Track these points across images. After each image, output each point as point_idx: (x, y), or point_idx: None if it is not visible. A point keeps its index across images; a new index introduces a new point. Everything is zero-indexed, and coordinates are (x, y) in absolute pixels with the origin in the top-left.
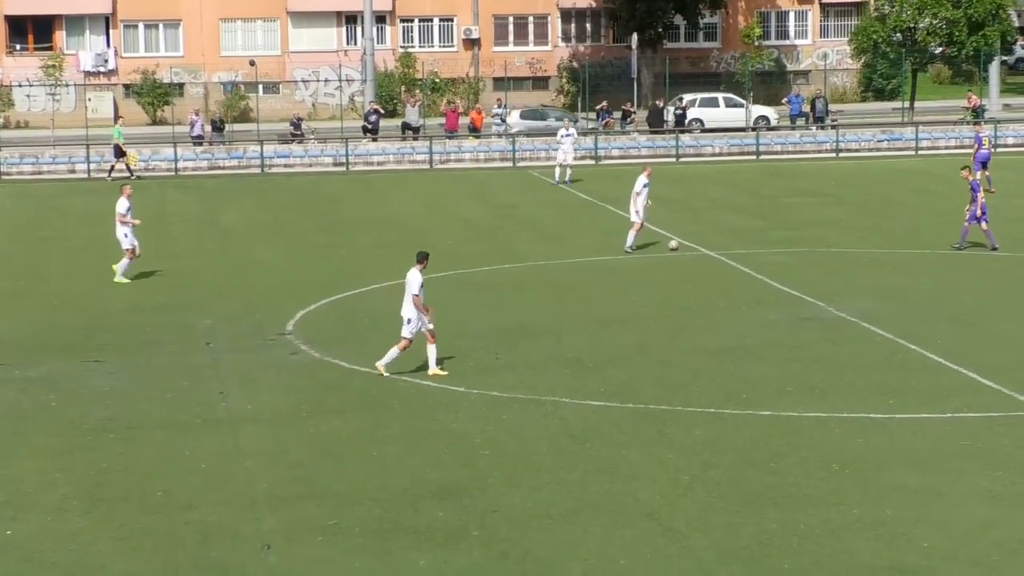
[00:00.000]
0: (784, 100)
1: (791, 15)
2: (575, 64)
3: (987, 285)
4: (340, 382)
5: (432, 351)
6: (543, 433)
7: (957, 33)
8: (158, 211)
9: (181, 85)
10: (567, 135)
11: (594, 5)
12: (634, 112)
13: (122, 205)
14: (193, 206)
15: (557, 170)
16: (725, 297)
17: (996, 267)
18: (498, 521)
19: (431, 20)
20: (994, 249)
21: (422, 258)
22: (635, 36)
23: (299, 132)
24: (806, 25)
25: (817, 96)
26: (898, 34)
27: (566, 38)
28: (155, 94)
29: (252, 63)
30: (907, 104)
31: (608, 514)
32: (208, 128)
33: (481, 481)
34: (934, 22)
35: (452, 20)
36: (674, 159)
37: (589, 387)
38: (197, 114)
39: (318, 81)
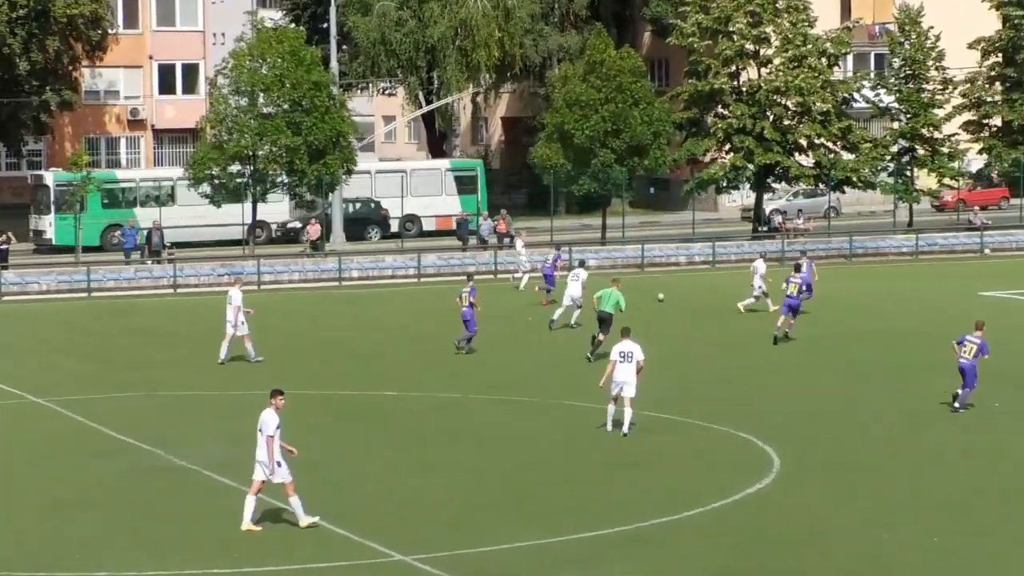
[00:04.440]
0: (118, 233)
1: (122, 141)
2: None
3: (333, 426)
4: None
5: (251, 499)
6: None
7: (298, 161)
8: None
9: None
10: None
11: None
12: None
13: None
14: None
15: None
16: (58, 448)
17: (337, 407)
18: None
19: None
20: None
21: (273, 395)
22: None
23: None
24: (139, 152)
25: (155, 228)
26: (237, 162)
27: None
28: None
29: None
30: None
31: None
32: None
33: None
34: (274, 149)
35: None
36: None
37: None
38: None
39: None
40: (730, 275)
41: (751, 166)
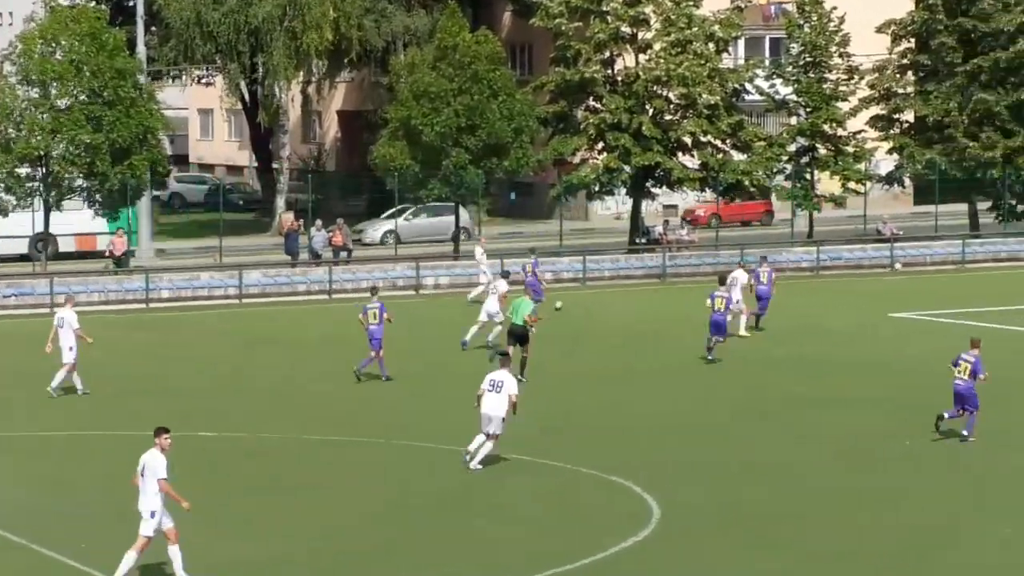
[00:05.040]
0: None
1: None
2: None
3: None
4: None
5: (176, 554)
6: None
7: (99, 162)
8: None
9: None
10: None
11: None
12: None
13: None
14: None
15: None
16: None
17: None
18: None
19: None
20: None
21: (161, 432)
22: None
23: None
24: None
25: None
26: (27, 164)
27: None
28: None
29: None
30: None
31: None
32: None
33: None
34: (71, 148)
35: None
36: None
37: None
38: None
39: None
40: (603, 294)
41: (627, 168)
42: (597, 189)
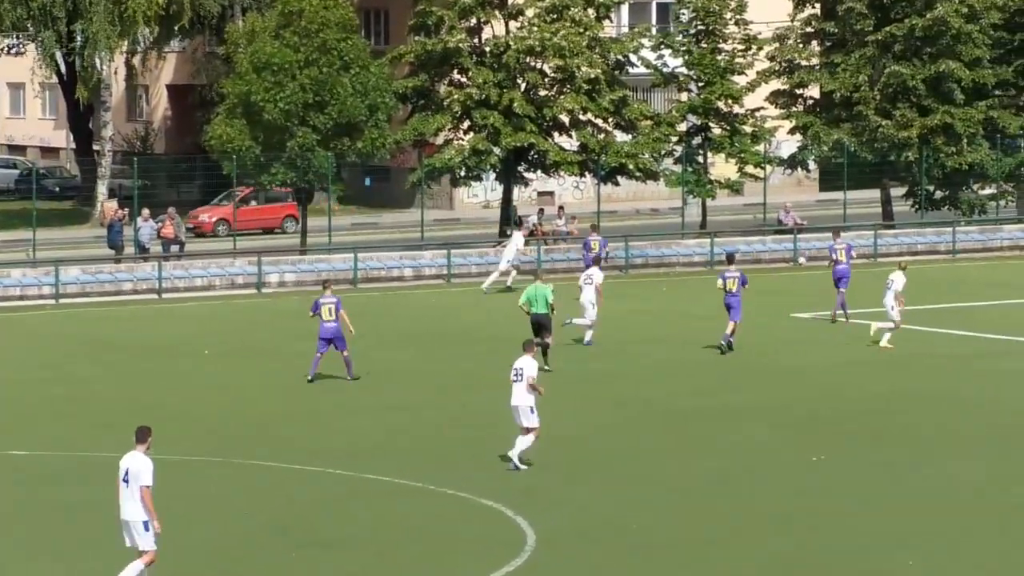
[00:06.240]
0: None
1: None
2: None
3: None
4: None
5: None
6: None
7: None
8: None
9: None
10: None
11: None
12: None
13: None
14: None
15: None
16: None
17: None
18: None
19: None
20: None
21: (144, 436)
22: None
23: None
24: None
25: None
26: None
27: None
28: None
29: None
30: None
31: None
32: None
33: None
34: None
35: None
36: None
37: None
38: None
39: None
40: (469, 292)
41: (497, 150)
42: (463, 174)
